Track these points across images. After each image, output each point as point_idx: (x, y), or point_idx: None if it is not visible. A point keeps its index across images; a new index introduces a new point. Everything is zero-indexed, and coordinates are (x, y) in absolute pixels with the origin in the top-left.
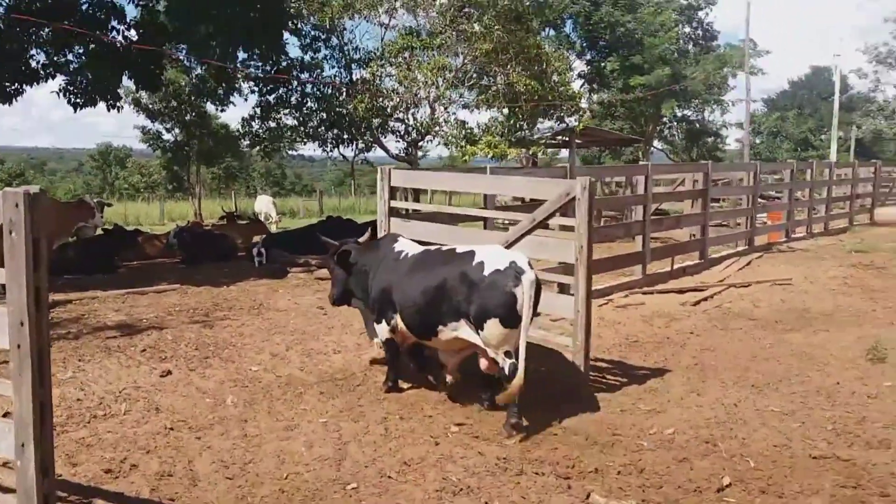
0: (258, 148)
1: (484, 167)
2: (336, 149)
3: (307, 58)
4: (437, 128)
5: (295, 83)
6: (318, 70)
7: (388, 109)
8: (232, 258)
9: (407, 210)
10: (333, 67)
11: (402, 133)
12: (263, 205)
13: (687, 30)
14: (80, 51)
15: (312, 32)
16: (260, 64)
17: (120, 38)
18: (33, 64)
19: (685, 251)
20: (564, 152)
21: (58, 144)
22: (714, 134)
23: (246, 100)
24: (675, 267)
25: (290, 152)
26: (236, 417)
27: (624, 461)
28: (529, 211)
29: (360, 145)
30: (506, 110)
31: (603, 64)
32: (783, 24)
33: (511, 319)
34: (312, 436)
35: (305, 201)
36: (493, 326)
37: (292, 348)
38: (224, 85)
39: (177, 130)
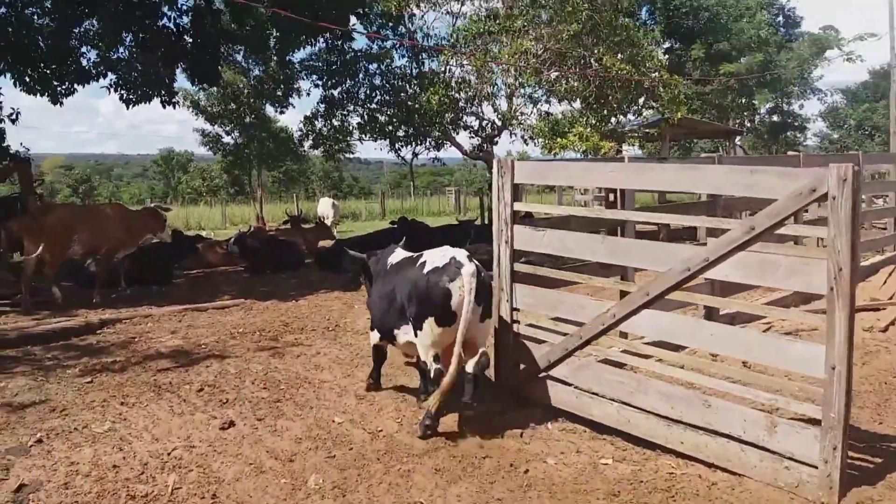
0: (321, 148)
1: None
2: (406, 147)
3: (375, 47)
4: (516, 121)
5: (361, 75)
6: (388, 60)
7: (462, 102)
8: (299, 266)
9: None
10: (403, 57)
11: (475, 129)
12: (326, 207)
13: (766, 16)
14: (131, 42)
15: (378, 21)
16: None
17: (171, 25)
18: (84, 62)
19: None
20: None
21: (123, 151)
22: (799, 127)
23: (309, 94)
24: None
25: (347, 155)
26: None
27: None
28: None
29: (430, 143)
30: (587, 100)
31: (686, 52)
32: (855, 9)
33: (445, 318)
34: None
35: (367, 203)
36: (428, 326)
37: (382, 388)
38: (283, 86)
39: (236, 133)
